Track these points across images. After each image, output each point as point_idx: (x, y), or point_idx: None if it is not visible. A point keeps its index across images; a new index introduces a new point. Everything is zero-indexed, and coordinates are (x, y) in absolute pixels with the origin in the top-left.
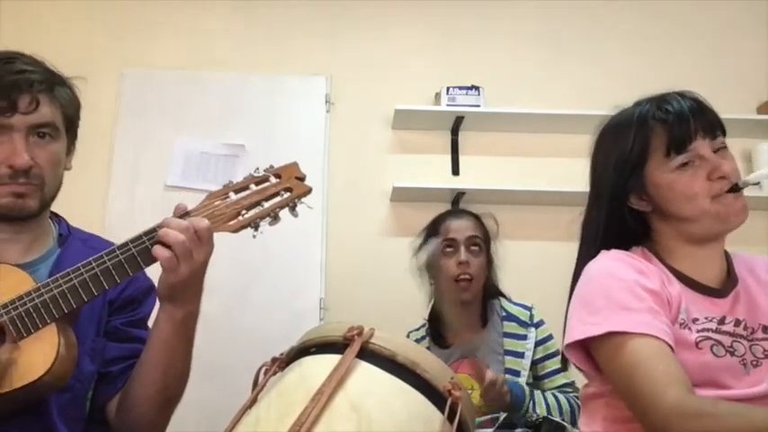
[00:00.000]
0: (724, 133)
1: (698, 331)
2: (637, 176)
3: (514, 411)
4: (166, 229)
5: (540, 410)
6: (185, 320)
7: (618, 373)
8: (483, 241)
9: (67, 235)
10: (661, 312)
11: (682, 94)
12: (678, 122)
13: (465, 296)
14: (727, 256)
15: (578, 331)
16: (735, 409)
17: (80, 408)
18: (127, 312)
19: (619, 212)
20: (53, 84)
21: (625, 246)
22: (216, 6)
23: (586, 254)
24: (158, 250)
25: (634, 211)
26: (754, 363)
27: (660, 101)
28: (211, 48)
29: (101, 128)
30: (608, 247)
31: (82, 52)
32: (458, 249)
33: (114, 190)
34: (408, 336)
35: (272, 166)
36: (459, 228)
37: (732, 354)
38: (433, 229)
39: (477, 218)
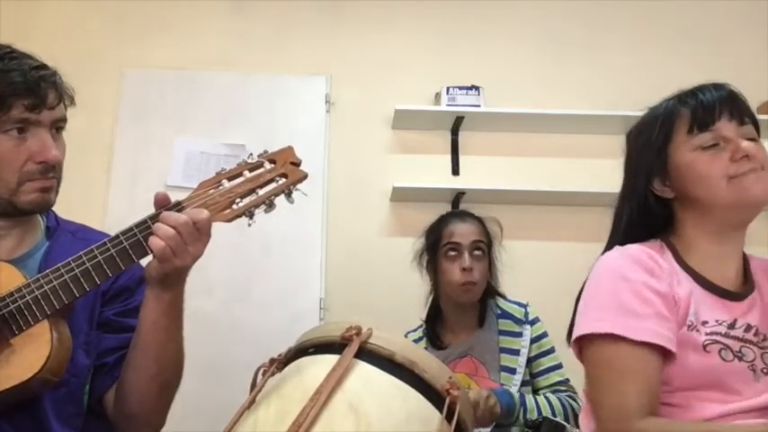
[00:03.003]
0: (757, 128)
1: (707, 334)
2: (660, 157)
3: (505, 420)
4: (163, 225)
5: (532, 416)
6: (174, 301)
7: (595, 383)
8: (486, 245)
9: (56, 227)
10: (669, 317)
11: (717, 85)
12: (703, 103)
13: (467, 299)
14: (745, 258)
15: (582, 327)
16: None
17: (77, 403)
18: (119, 302)
19: (644, 200)
20: (60, 77)
21: (649, 237)
22: (216, 6)
23: (611, 244)
24: (154, 241)
25: (659, 200)
26: (765, 371)
27: (691, 90)
28: (211, 48)
29: (101, 128)
30: (633, 238)
31: (82, 52)
32: (461, 254)
33: (114, 190)
34: (406, 336)
35: (266, 152)
36: (464, 232)
37: (741, 359)
38: (436, 231)
39: (480, 221)
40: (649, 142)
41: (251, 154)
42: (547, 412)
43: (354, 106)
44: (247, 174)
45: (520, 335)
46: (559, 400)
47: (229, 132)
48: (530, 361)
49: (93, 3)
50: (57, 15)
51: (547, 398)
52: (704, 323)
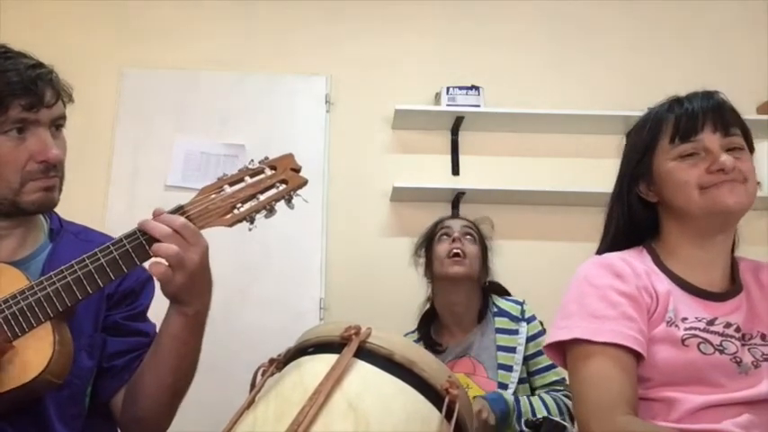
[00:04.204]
0: (746, 137)
1: (685, 329)
2: (645, 162)
3: (501, 427)
4: (157, 245)
5: (526, 417)
6: (196, 316)
7: (575, 384)
8: (477, 235)
9: (59, 229)
10: (635, 318)
11: (707, 94)
12: (687, 113)
13: (456, 269)
14: (734, 261)
15: (551, 335)
16: None
17: (79, 404)
18: (126, 306)
19: (630, 202)
20: (57, 75)
21: (637, 243)
22: (215, 6)
23: (600, 248)
24: (153, 267)
25: (645, 204)
26: (755, 364)
27: (682, 97)
28: (211, 48)
29: (101, 128)
30: (620, 243)
31: (82, 52)
32: (452, 234)
33: (114, 190)
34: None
35: (267, 158)
36: (454, 222)
37: (722, 352)
38: (430, 230)
39: (472, 222)
40: (637, 146)
41: (252, 160)
42: (541, 413)
43: (354, 106)
44: (248, 179)
45: (516, 332)
46: (554, 400)
47: (229, 132)
48: (526, 359)
49: (94, 3)
50: (57, 15)
51: (541, 398)
52: (683, 320)
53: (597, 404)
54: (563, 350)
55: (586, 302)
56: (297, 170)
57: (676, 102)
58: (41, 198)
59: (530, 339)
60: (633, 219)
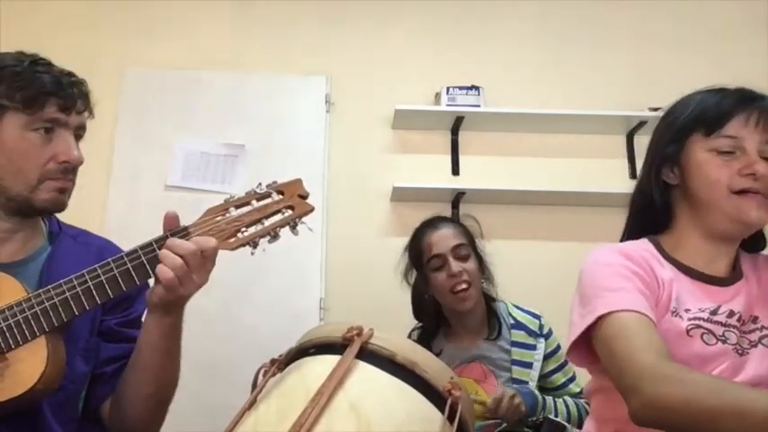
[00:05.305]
0: None
1: (689, 320)
2: (678, 143)
3: (526, 419)
4: (171, 254)
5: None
6: (174, 324)
7: (603, 346)
8: (468, 245)
9: (58, 232)
10: (648, 295)
11: (753, 95)
12: (734, 107)
13: (466, 305)
14: (736, 253)
15: (575, 329)
16: (706, 380)
17: (73, 408)
18: (121, 312)
19: (650, 187)
20: (87, 86)
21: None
22: (216, 6)
23: (624, 232)
24: (162, 270)
25: (662, 193)
26: (740, 351)
27: (730, 90)
28: (211, 48)
29: (101, 128)
30: (637, 232)
31: (82, 52)
32: (446, 262)
33: (114, 190)
34: (409, 337)
35: (275, 182)
36: (441, 240)
37: (724, 342)
38: (416, 248)
39: (455, 223)
40: (673, 126)
41: (260, 183)
42: (563, 416)
43: (354, 106)
44: (255, 203)
45: (533, 347)
46: (577, 405)
47: (229, 132)
48: (545, 376)
49: (94, 2)
50: (57, 15)
51: (565, 401)
52: (687, 310)
53: (629, 350)
54: (587, 346)
55: (599, 281)
56: (304, 197)
57: (723, 94)
58: (54, 198)
59: (548, 356)
60: (649, 209)
